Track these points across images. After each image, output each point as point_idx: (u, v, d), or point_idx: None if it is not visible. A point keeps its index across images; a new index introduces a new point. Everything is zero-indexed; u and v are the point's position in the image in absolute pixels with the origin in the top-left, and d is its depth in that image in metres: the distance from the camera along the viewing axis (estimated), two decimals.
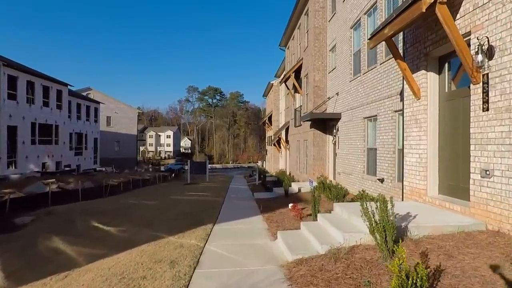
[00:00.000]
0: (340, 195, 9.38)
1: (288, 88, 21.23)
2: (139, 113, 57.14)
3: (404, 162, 6.74)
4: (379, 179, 9.32)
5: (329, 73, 15.02)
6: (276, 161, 31.90)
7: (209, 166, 32.75)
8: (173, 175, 37.03)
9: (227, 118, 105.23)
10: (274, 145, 30.63)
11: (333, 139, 14.28)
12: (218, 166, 76.74)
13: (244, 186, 21.91)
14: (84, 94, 42.47)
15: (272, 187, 16.31)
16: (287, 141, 24.66)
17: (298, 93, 18.72)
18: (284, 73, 22.83)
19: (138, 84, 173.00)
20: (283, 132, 25.47)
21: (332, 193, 9.64)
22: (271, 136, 34.00)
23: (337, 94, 13.59)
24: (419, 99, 6.21)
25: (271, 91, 35.91)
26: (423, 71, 6.14)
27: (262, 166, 43.68)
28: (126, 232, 8.23)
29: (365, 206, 3.97)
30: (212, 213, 9.81)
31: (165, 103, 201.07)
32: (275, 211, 9.74)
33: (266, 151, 41.81)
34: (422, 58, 6.15)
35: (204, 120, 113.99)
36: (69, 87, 31.70)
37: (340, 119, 13.16)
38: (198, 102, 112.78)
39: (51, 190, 15.76)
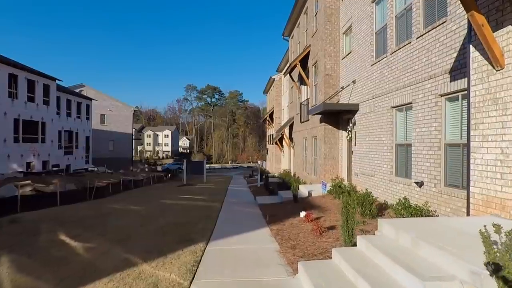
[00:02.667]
0: (367, 202, 7.45)
1: (293, 80, 19.30)
2: (135, 111, 55.00)
3: (472, 161, 4.83)
4: (416, 183, 7.40)
5: (342, 59, 13.09)
6: (278, 161, 29.95)
7: (207, 166, 30.85)
8: (169, 175, 35.18)
9: (226, 117, 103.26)
10: (276, 143, 28.68)
11: (348, 134, 12.36)
12: (216, 166, 74.97)
13: (244, 188, 19.99)
14: (77, 90, 40.37)
15: (277, 190, 14.35)
16: (291, 139, 22.71)
17: (305, 84, 16.78)
18: (289, 63, 20.88)
19: (136, 84, 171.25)
20: (287, 129, 23.53)
21: (353, 199, 7.69)
22: (273, 134, 32.04)
23: (354, 82, 11.67)
24: (502, 68, 4.30)
25: (272, 86, 33.96)
26: (510, 27, 4.22)
27: (262, 166, 41.74)
28: (92, 252, 6.30)
29: (491, 248, 2.03)
30: (206, 225, 7.87)
31: (164, 103, 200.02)
32: (284, 221, 7.86)
33: (267, 150, 39.85)
34: (508, 9, 4.23)
35: (202, 120, 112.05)
36: (58, 82, 29.63)
37: (357, 110, 11.24)
38: (197, 101, 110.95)
39: (24, 193, 13.83)
